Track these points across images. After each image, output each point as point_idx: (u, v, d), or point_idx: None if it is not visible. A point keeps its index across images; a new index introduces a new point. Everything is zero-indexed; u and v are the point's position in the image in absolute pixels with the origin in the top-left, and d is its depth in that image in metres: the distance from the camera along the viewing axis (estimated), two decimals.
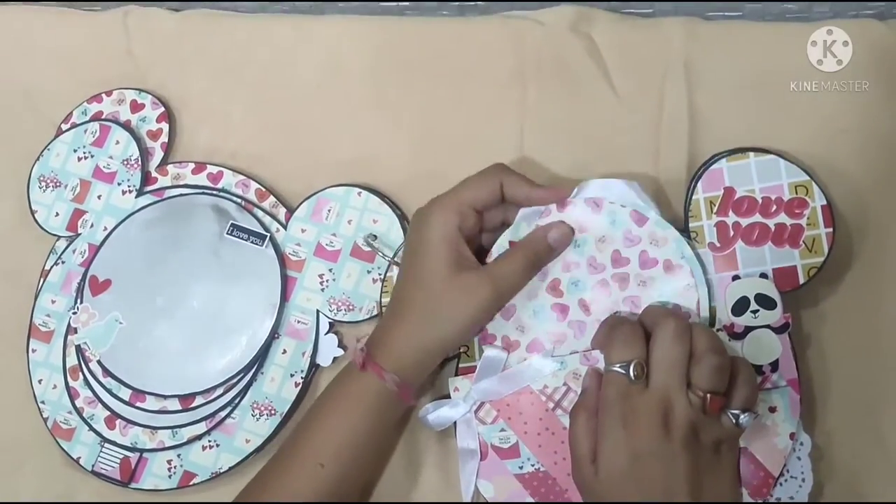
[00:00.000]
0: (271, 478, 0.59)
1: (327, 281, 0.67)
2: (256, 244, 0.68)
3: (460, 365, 0.63)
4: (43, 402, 0.69)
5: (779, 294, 0.59)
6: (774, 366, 0.59)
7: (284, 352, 0.67)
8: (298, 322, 0.67)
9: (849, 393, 0.62)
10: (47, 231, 0.72)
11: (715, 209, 0.62)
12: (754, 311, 0.59)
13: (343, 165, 0.70)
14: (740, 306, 0.60)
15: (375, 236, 0.67)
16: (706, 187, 0.62)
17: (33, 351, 0.71)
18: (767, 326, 0.59)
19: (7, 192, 0.75)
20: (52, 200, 0.73)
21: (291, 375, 0.66)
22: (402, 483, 0.65)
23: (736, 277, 0.60)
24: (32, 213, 0.73)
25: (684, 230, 0.62)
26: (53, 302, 0.71)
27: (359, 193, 0.68)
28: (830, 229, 0.60)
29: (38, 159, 0.74)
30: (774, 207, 0.61)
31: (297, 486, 0.58)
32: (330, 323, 0.67)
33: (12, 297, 0.73)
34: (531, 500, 0.60)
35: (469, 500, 0.61)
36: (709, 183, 0.62)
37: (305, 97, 0.73)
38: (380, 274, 0.66)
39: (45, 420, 0.69)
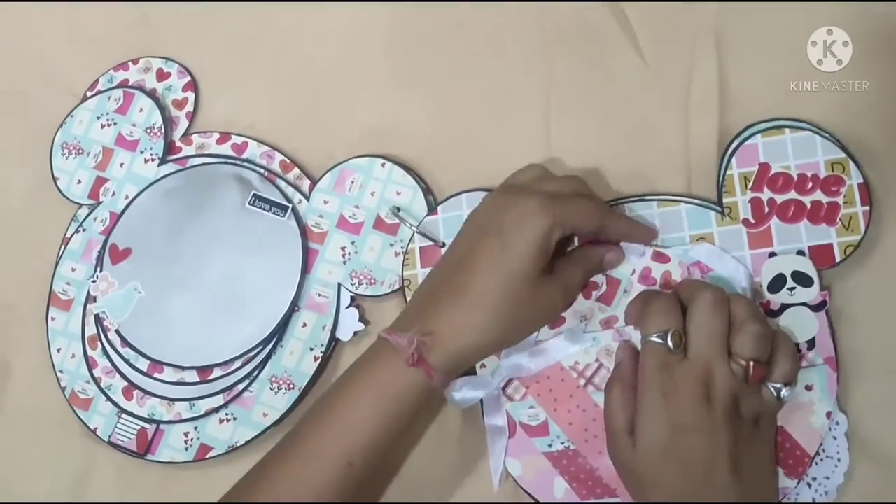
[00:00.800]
0: (288, 470, 0.55)
1: (349, 254, 0.66)
2: (278, 215, 0.67)
3: None
4: (61, 371, 0.69)
5: (816, 271, 0.58)
6: (811, 344, 0.58)
7: (304, 325, 0.65)
8: (319, 295, 0.66)
9: (882, 372, 0.59)
10: (69, 198, 0.72)
11: (749, 185, 0.60)
12: (791, 289, 0.58)
13: (365, 136, 0.69)
14: (777, 283, 0.59)
15: (399, 208, 0.65)
16: (741, 163, 0.61)
17: (52, 319, 0.70)
18: (804, 304, 0.58)
19: (27, 160, 0.75)
20: (74, 167, 0.72)
21: (311, 349, 0.65)
22: (426, 462, 0.63)
23: (772, 255, 0.59)
24: (55, 179, 0.72)
25: (717, 203, 0.61)
26: (74, 270, 0.70)
27: (382, 164, 0.67)
28: (867, 207, 0.58)
29: (61, 126, 0.73)
30: (810, 184, 0.59)
31: (321, 482, 0.53)
32: (351, 297, 0.65)
33: (32, 264, 0.72)
34: (560, 479, 0.59)
35: (498, 478, 0.60)
36: (743, 158, 0.61)
37: (326, 67, 0.72)
38: (402, 248, 0.65)
39: (63, 389, 0.69)
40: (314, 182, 0.68)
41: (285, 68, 0.72)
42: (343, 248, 0.66)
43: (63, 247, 0.71)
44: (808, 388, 0.57)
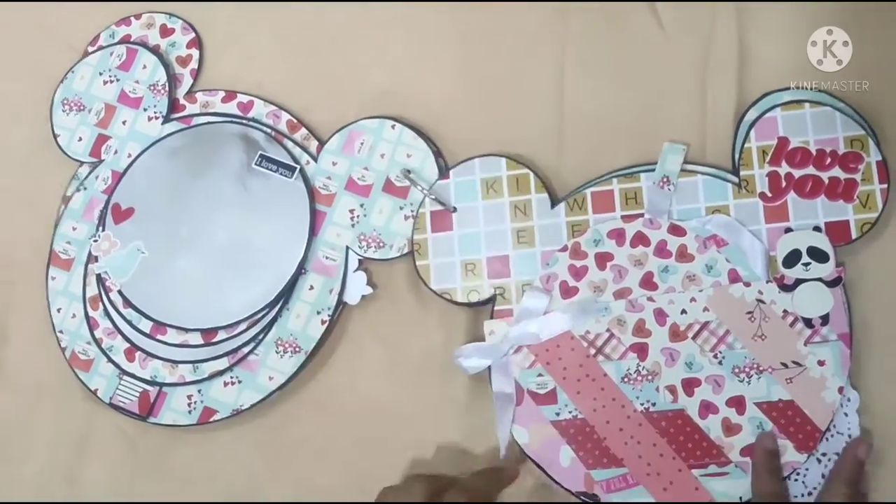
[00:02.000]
0: None
1: (358, 216, 0.65)
2: (285, 176, 0.66)
3: (496, 308, 0.61)
4: (61, 332, 0.68)
5: (832, 248, 0.58)
6: (825, 319, 0.57)
7: (311, 288, 0.64)
8: (327, 258, 0.64)
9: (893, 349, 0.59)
10: (70, 156, 0.70)
11: (768, 158, 0.59)
12: (806, 264, 0.58)
13: (375, 97, 0.68)
14: (792, 258, 0.58)
15: (409, 171, 0.64)
16: (759, 136, 0.60)
17: (52, 279, 0.69)
18: (819, 279, 0.57)
19: (25, 117, 0.73)
20: (75, 124, 0.70)
21: (318, 312, 0.64)
22: (437, 425, 0.63)
23: (788, 230, 0.58)
24: (55, 136, 0.70)
25: (734, 171, 0.60)
26: (74, 229, 0.69)
27: (392, 126, 0.65)
28: (885, 185, 0.58)
29: (61, 82, 0.71)
30: (829, 160, 0.59)
31: None
32: (359, 260, 0.64)
33: (31, 223, 0.71)
34: (566, 447, 0.59)
35: (505, 446, 0.60)
36: (762, 131, 0.60)
37: (337, 25, 0.70)
38: (412, 211, 0.64)
39: (64, 350, 0.67)
40: (322, 143, 0.67)
41: (294, 25, 0.71)
42: (352, 211, 0.65)
43: (63, 205, 0.70)
44: (821, 363, 0.57)
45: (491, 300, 0.62)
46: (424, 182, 0.64)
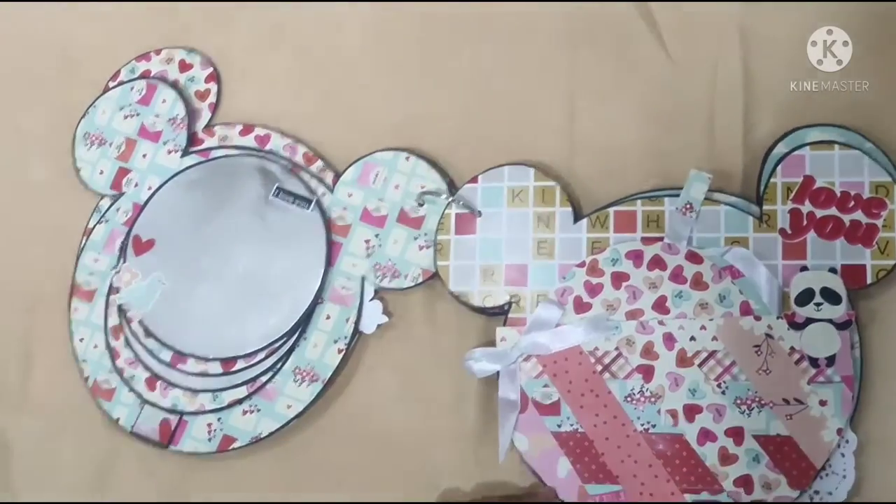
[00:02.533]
0: None
1: (373, 247, 0.66)
2: (302, 207, 0.67)
3: (510, 315, 0.62)
4: (84, 361, 0.69)
5: (845, 290, 0.58)
6: (831, 360, 0.57)
7: (328, 317, 0.65)
8: (343, 288, 0.66)
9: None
10: (91, 189, 0.72)
11: (791, 196, 0.60)
12: (818, 304, 0.58)
13: (389, 129, 0.69)
14: (805, 297, 0.58)
15: (424, 189, 0.65)
16: (786, 172, 0.60)
17: (75, 310, 0.70)
18: (829, 321, 0.58)
19: (48, 150, 0.75)
20: (96, 158, 0.72)
21: (335, 342, 0.65)
22: (450, 454, 0.64)
23: (804, 269, 0.59)
24: (77, 170, 0.72)
25: (756, 202, 0.61)
26: (96, 261, 0.70)
27: (407, 158, 0.67)
28: None
29: (83, 116, 0.73)
30: (852, 203, 0.59)
31: None
32: (375, 290, 0.66)
33: (54, 255, 0.72)
34: (565, 459, 0.60)
35: (504, 451, 0.61)
36: (789, 168, 0.60)
37: (350, 59, 0.71)
38: (427, 241, 0.65)
39: (86, 380, 0.69)
40: (338, 175, 0.68)
41: (308, 60, 0.72)
42: (367, 241, 0.66)
43: (85, 237, 0.71)
44: (823, 403, 0.57)
45: (505, 307, 0.63)
46: (443, 193, 0.65)
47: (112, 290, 0.69)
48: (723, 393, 0.59)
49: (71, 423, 0.70)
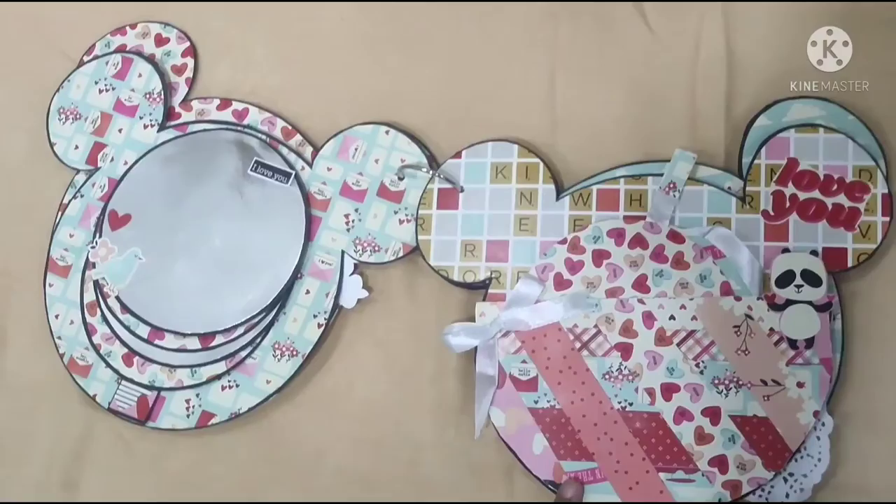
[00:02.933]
0: None
1: (353, 221, 0.66)
2: (281, 182, 0.67)
3: (489, 291, 0.62)
4: (59, 338, 0.68)
5: (826, 273, 0.58)
6: (810, 342, 0.58)
7: (308, 292, 0.65)
8: (322, 262, 0.65)
9: (875, 381, 0.59)
10: (66, 164, 0.71)
11: (775, 178, 0.60)
12: (798, 286, 0.58)
13: (368, 103, 0.69)
14: (785, 279, 0.59)
15: (404, 163, 0.65)
16: (770, 154, 0.61)
17: (50, 286, 0.69)
18: (809, 303, 0.58)
19: (21, 125, 0.74)
20: (71, 133, 0.71)
21: (314, 316, 0.65)
22: (432, 426, 0.64)
23: (785, 250, 0.59)
24: (51, 145, 0.71)
25: (739, 175, 0.61)
26: (71, 236, 0.70)
27: (387, 132, 0.66)
28: (888, 218, 0.59)
29: (57, 91, 0.72)
30: (835, 187, 0.59)
31: None
32: (355, 264, 0.65)
33: (29, 231, 0.71)
34: (540, 435, 0.60)
35: (480, 426, 0.61)
36: (773, 150, 0.61)
37: (329, 32, 0.71)
38: (407, 215, 0.65)
39: (62, 356, 0.68)
40: (317, 149, 0.68)
41: (287, 34, 0.72)
42: (346, 216, 0.66)
43: (60, 213, 0.70)
44: (800, 385, 0.57)
45: (485, 283, 0.63)
46: (424, 167, 0.65)
47: (88, 265, 0.68)
48: (701, 373, 0.59)
49: (47, 400, 0.69)
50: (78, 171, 0.71)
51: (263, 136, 0.68)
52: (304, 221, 0.66)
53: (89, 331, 0.68)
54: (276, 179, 0.67)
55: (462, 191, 0.64)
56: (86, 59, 0.73)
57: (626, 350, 0.60)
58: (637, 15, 0.67)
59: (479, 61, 0.68)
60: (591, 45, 0.67)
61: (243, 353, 0.65)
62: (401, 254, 0.65)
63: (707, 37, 0.65)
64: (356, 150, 0.67)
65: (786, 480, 0.57)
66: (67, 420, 0.68)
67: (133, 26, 0.73)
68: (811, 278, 0.58)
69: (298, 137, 0.69)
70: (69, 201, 0.70)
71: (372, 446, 0.64)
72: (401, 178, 0.65)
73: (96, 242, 0.68)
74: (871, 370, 0.59)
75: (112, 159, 0.70)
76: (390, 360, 0.65)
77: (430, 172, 0.64)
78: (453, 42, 0.69)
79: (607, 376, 0.60)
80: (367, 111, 0.68)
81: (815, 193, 0.60)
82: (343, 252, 0.65)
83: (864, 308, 0.60)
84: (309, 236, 0.66)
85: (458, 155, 0.65)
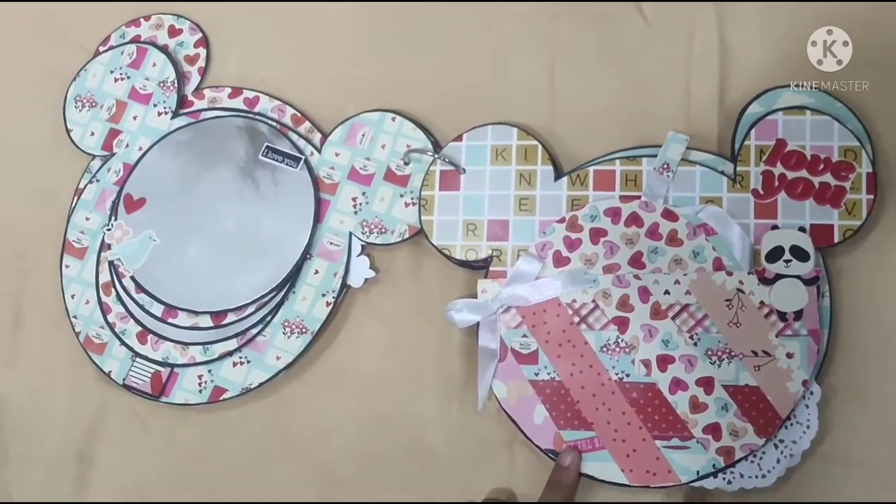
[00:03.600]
0: None
1: (360, 204, 0.68)
2: (291, 166, 0.69)
3: (491, 268, 0.65)
4: (75, 317, 0.70)
5: (814, 248, 0.60)
6: (798, 314, 0.60)
7: (316, 272, 0.67)
8: (331, 244, 0.68)
9: (860, 352, 0.62)
10: (82, 150, 0.73)
11: (764, 158, 0.62)
12: (787, 261, 0.61)
13: (375, 92, 0.71)
14: (774, 254, 0.61)
15: (409, 148, 0.68)
16: (759, 135, 0.63)
17: (66, 267, 0.71)
18: (798, 277, 0.60)
19: (39, 113, 0.76)
20: (87, 120, 0.73)
21: (323, 295, 0.67)
22: (437, 403, 0.66)
23: (775, 227, 0.62)
24: (68, 131, 0.73)
25: (731, 159, 0.63)
26: (87, 219, 0.72)
27: (393, 119, 0.69)
28: (872, 196, 0.61)
29: (74, 79, 0.74)
30: (822, 166, 0.62)
31: None
32: (362, 245, 0.68)
33: (46, 214, 0.73)
34: (541, 406, 0.62)
35: (483, 398, 0.63)
36: (762, 132, 0.63)
37: (336, 22, 0.74)
38: (412, 198, 0.67)
39: (78, 335, 0.70)
40: (325, 135, 0.70)
41: (296, 24, 0.74)
42: (354, 199, 0.68)
43: (76, 197, 0.73)
44: (790, 355, 0.59)
45: (487, 261, 0.65)
46: (428, 152, 0.67)
47: (104, 247, 0.71)
48: (695, 344, 0.61)
49: (63, 378, 0.71)
50: (94, 156, 0.73)
51: (274, 123, 0.71)
52: (314, 204, 0.68)
53: (104, 310, 0.70)
54: (287, 164, 0.69)
55: (463, 172, 0.66)
56: (101, 49, 0.76)
57: (622, 324, 0.62)
58: (635, 9, 0.69)
59: (482, 52, 0.71)
60: (589, 36, 0.69)
61: (254, 331, 0.67)
62: (406, 235, 0.67)
63: (700, 27, 0.68)
64: (363, 136, 0.69)
65: (776, 447, 0.59)
66: (83, 396, 0.70)
67: (147, 18, 0.76)
68: (799, 253, 0.61)
69: (307, 124, 0.71)
70: (85, 186, 0.73)
71: (377, 421, 0.66)
72: (406, 163, 0.68)
73: (112, 225, 0.70)
74: (858, 345, 0.62)
75: (127, 145, 0.72)
76: (396, 337, 0.67)
77: (434, 156, 0.66)
78: (457, 33, 0.72)
79: (605, 349, 0.62)
80: (373, 99, 0.70)
81: (803, 173, 0.62)
82: (351, 234, 0.68)
83: (850, 284, 0.62)
84: (318, 218, 0.68)
85: (459, 138, 0.67)
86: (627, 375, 0.61)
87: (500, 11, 0.71)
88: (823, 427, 0.60)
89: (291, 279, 0.67)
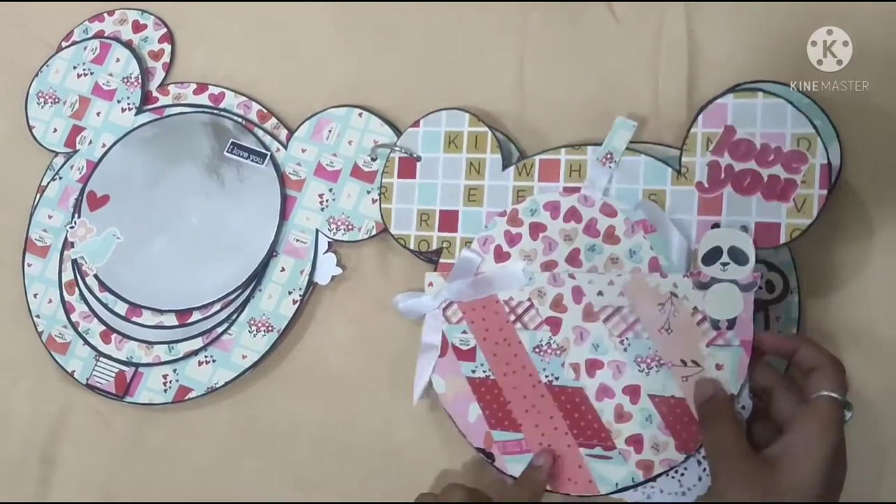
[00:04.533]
0: None
1: (327, 201, 0.67)
2: (256, 163, 0.68)
3: (441, 260, 0.63)
4: (38, 317, 0.69)
5: (754, 251, 0.56)
6: (731, 323, 0.55)
7: (283, 270, 0.67)
8: (297, 241, 0.67)
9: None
10: (45, 147, 0.72)
11: (711, 147, 0.58)
12: (724, 264, 0.56)
13: (342, 87, 0.70)
14: (712, 256, 0.56)
15: (376, 142, 0.67)
16: (707, 122, 0.58)
17: (28, 265, 0.71)
18: (734, 282, 0.56)
19: (0, 109, 0.75)
20: (50, 116, 0.73)
21: (289, 293, 0.66)
22: (404, 400, 0.65)
23: (715, 226, 0.57)
24: (30, 128, 0.73)
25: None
26: (50, 217, 0.71)
27: (360, 114, 0.68)
28: (825, 192, 0.55)
29: (36, 75, 0.74)
30: (772, 156, 0.57)
31: None
32: (329, 242, 0.67)
33: (7, 212, 0.73)
34: (475, 404, 0.61)
35: (420, 390, 0.62)
36: (710, 118, 0.58)
37: (303, 18, 0.73)
38: (381, 193, 0.67)
39: (40, 334, 0.69)
40: (291, 131, 0.69)
41: (262, 20, 0.74)
42: (321, 195, 0.68)
43: (39, 194, 0.72)
44: (719, 367, 0.55)
45: (438, 252, 0.64)
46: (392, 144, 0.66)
47: (66, 245, 0.70)
48: (625, 350, 0.58)
49: (25, 377, 0.70)
50: (56, 153, 0.72)
51: (239, 119, 0.70)
52: (280, 201, 0.68)
53: (67, 309, 0.69)
54: (252, 160, 0.69)
55: (419, 160, 0.65)
56: (64, 44, 0.75)
57: (555, 324, 0.60)
58: (605, 6, 0.69)
59: (451, 47, 0.70)
60: (559, 32, 0.69)
61: (220, 329, 0.67)
62: (373, 232, 0.67)
63: (669, 23, 0.67)
64: (330, 131, 0.68)
65: (700, 463, 0.56)
66: (46, 397, 0.70)
67: (111, 13, 0.75)
68: (738, 256, 0.56)
69: (273, 120, 0.70)
70: (48, 183, 0.72)
71: (345, 418, 0.66)
72: (373, 159, 0.67)
73: (75, 223, 0.69)
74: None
75: (90, 142, 0.71)
76: (363, 334, 0.67)
77: (392, 147, 0.65)
78: (426, 28, 0.71)
79: (537, 350, 0.60)
80: (341, 95, 0.70)
81: (751, 164, 0.57)
82: (317, 231, 0.67)
83: (817, 280, 0.61)
84: (284, 215, 0.67)
85: (416, 124, 0.65)
86: (557, 378, 0.59)
87: (469, 7, 0.71)
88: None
89: (257, 277, 0.67)
